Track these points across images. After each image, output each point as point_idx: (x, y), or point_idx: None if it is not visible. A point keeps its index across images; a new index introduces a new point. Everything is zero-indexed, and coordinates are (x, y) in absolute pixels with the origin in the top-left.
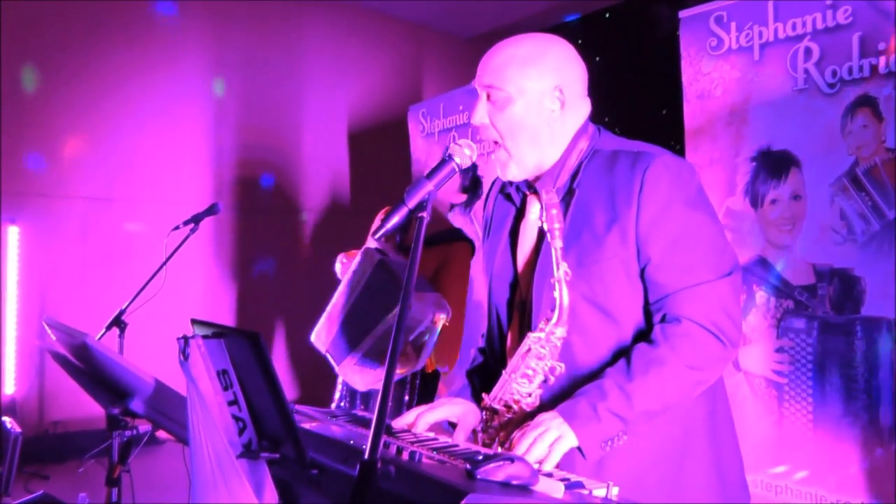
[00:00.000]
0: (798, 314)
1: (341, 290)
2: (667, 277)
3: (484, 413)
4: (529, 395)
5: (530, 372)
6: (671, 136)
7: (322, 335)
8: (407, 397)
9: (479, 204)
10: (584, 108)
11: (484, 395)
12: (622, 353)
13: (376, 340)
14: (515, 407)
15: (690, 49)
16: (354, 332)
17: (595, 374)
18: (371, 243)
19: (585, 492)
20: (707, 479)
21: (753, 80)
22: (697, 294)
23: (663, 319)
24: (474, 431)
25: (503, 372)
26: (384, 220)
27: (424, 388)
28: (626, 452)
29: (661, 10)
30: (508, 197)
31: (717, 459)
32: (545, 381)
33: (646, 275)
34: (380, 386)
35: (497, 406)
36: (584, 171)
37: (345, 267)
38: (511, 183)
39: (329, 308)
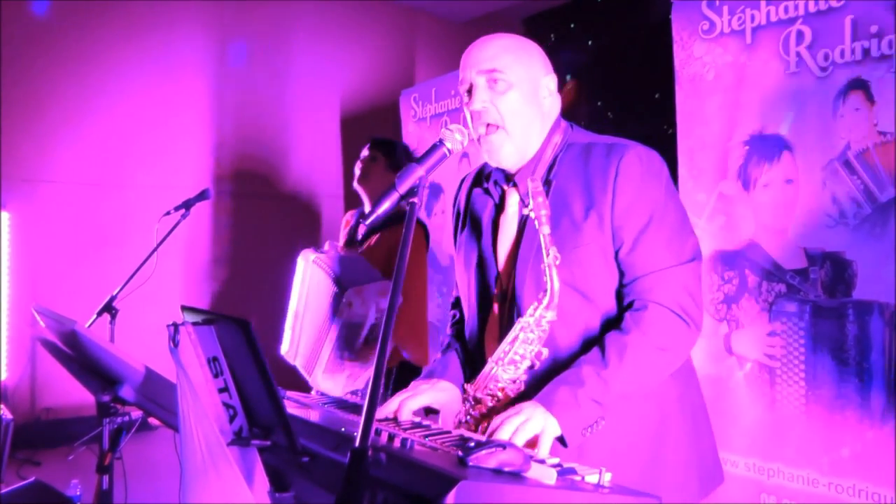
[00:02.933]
0: (790, 298)
1: (293, 298)
2: (637, 260)
3: (467, 403)
4: (514, 381)
5: (517, 358)
6: (663, 119)
7: (290, 348)
8: (382, 390)
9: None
10: (557, 104)
11: (466, 385)
12: (602, 333)
13: (333, 344)
14: (500, 395)
15: (683, 32)
16: (313, 340)
17: (575, 355)
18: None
19: (578, 478)
20: (685, 456)
21: (745, 64)
22: (664, 278)
23: (631, 305)
24: (458, 422)
25: (488, 360)
26: (375, 206)
27: (400, 379)
28: (604, 436)
29: None
30: (486, 191)
31: (694, 437)
32: (531, 366)
33: (619, 258)
34: (358, 385)
35: (480, 395)
36: (560, 163)
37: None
38: (488, 177)
39: (288, 318)
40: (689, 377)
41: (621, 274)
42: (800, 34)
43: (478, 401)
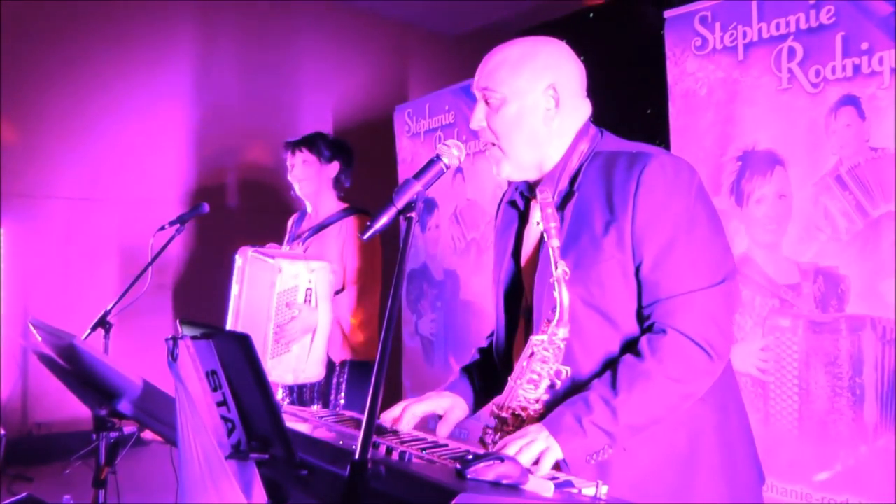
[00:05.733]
0: (783, 313)
1: (232, 299)
2: (659, 281)
3: (494, 424)
4: (537, 400)
5: (535, 377)
6: (656, 135)
7: None
8: (333, 395)
9: None
10: (583, 108)
11: (492, 404)
12: (618, 358)
13: (275, 323)
14: (523, 415)
15: (675, 49)
16: (256, 330)
17: (596, 378)
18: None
19: (575, 491)
20: (716, 488)
21: (738, 80)
22: (687, 303)
23: (651, 328)
24: (483, 442)
25: (509, 379)
26: (372, 221)
27: (352, 381)
28: (627, 461)
29: (645, 10)
30: (513, 204)
31: (729, 470)
32: (552, 385)
33: (640, 276)
34: (309, 372)
35: (505, 415)
36: (584, 174)
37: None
38: (516, 188)
39: (228, 321)
40: (730, 405)
41: (643, 294)
42: (791, 51)
43: (504, 421)
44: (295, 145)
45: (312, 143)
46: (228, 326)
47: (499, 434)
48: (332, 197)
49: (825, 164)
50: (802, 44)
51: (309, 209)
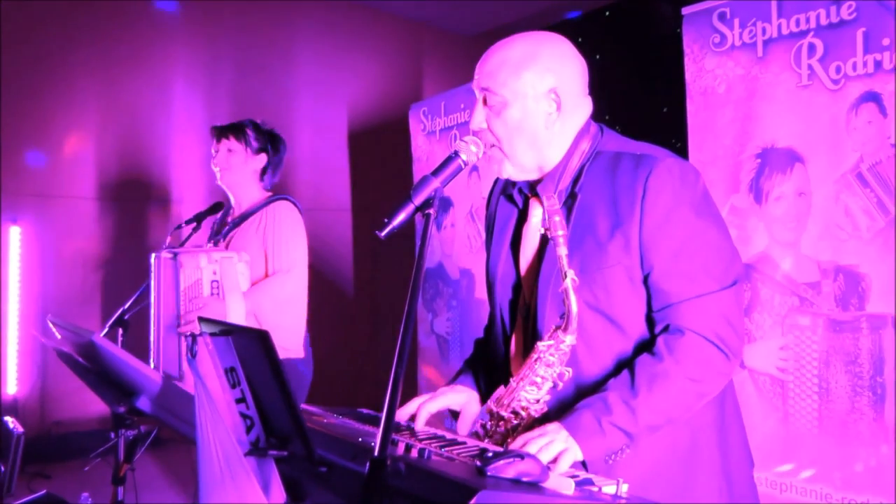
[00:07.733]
0: (803, 311)
1: (152, 301)
2: (670, 286)
3: (490, 419)
4: (538, 401)
5: (539, 379)
6: (673, 133)
7: (155, 358)
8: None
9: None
10: (584, 107)
11: (490, 401)
12: (627, 361)
13: (184, 320)
14: (523, 413)
15: (693, 46)
16: (174, 332)
17: (600, 382)
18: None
19: (595, 489)
20: (716, 483)
21: (757, 77)
22: (701, 305)
23: (666, 329)
24: (478, 436)
25: (511, 380)
26: (390, 218)
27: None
28: (632, 459)
29: (662, 8)
30: (510, 198)
31: (726, 464)
32: (554, 387)
33: (649, 282)
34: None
35: (504, 413)
36: (587, 175)
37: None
38: (514, 184)
39: (152, 333)
40: (728, 400)
41: (652, 299)
42: (812, 47)
43: (501, 418)
44: (221, 132)
45: (240, 131)
46: (151, 332)
47: (497, 430)
48: (257, 188)
49: (846, 161)
50: (823, 40)
51: (232, 201)
